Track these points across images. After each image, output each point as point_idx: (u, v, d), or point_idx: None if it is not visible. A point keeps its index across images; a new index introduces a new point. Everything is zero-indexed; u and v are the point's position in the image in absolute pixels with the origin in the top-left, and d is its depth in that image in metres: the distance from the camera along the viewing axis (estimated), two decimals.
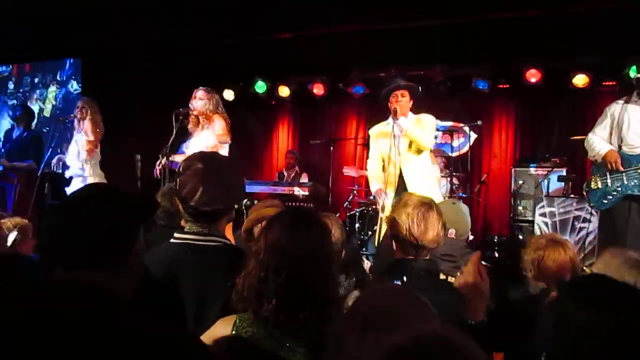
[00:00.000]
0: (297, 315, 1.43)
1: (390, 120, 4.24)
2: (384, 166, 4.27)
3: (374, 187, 4.37)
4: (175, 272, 1.76)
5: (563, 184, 6.03)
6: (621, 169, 3.74)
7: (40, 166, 5.61)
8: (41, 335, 1.01)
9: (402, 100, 4.19)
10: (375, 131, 4.44)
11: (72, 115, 5.50)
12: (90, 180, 5.45)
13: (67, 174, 5.42)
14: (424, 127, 4.19)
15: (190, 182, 1.79)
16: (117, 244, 1.22)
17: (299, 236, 1.52)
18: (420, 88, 4.44)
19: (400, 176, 4.11)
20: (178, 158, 4.50)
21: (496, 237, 6.11)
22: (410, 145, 4.16)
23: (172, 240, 1.88)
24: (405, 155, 4.15)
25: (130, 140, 6.40)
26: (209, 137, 4.60)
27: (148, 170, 5.19)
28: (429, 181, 4.18)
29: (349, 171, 6.54)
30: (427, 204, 2.18)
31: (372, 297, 1.19)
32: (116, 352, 1.02)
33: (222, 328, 1.53)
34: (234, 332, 1.49)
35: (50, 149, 5.60)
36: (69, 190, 5.28)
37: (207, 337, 1.54)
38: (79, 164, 5.34)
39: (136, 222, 1.28)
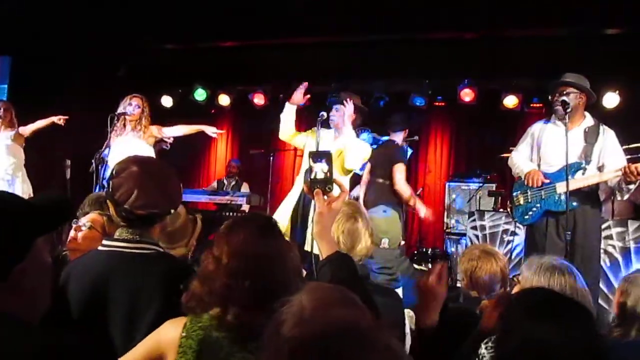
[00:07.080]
0: (260, 320, 1.41)
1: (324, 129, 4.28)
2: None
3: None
4: (102, 282, 1.67)
5: (493, 198, 6.29)
6: (545, 180, 3.88)
7: None
8: None
9: (341, 110, 4.24)
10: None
11: None
12: (19, 184, 5.18)
13: None
14: (357, 153, 4.25)
15: (125, 185, 1.73)
16: None
17: (266, 242, 1.52)
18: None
19: None
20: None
21: (430, 250, 6.26)
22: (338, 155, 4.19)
23: (99, 247, 1.79)
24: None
25: (59, 144, 6.11)
26: (143, 146, 4.69)
27: (78, 175, 4.98)
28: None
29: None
30: (352, 217, 2.07)
31: (307, 291, 1.16)
32: None
33: (172, 329, 1.50)
34: (183, 334, 1.47)
35: None
36: None
37: (156, 337, 1.51)
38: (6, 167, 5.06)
39: (20, 239, 1.09)
